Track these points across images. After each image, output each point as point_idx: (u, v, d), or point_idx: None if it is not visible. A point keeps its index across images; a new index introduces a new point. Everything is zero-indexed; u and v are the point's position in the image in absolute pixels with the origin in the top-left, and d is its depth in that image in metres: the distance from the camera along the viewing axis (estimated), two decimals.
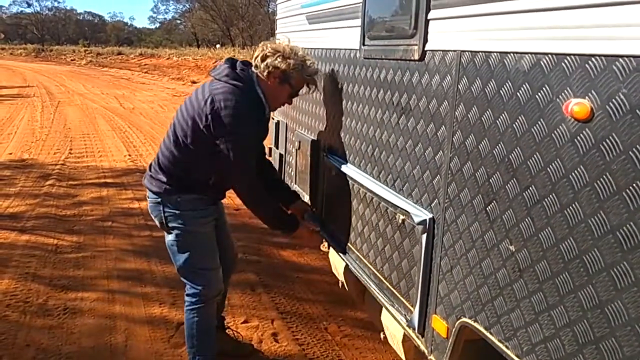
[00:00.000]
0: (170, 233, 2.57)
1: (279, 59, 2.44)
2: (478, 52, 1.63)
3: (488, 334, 1.64)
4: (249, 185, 2.49)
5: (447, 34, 1.80)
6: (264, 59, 2.46)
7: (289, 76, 2.47)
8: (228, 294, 3.18)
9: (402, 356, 2.26)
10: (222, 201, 2.81)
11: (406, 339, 2.18)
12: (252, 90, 2.47)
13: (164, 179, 2.51)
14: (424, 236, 1.95)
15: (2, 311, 3.44)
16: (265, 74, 2.46)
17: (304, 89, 2.61)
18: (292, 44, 2.54)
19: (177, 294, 3.72)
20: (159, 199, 2.53)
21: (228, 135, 2.34)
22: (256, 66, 2.48)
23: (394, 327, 2.28)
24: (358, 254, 2.62)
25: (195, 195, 2.53)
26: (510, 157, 1.49)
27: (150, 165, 2.63)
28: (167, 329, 3.29)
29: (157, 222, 2.61)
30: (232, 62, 2.52)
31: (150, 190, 2.56)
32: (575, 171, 1.26)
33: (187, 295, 2.65)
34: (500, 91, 1.52)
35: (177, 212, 2.51)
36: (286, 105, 2.71)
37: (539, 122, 1.37)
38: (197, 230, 2.56)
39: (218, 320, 2.93)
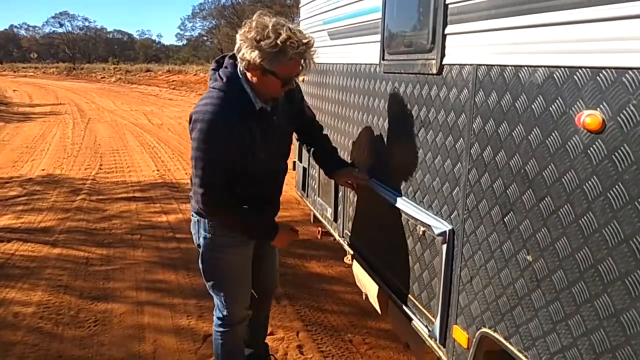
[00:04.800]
0: (201, 255, 2.48)
1: (248, 49, 2.03)
2: (493, 65, 1.66)
3: (508, 344, 1.65)
4: (208, 202, 2.21)
5: (464, 48, 1.83)
6: (239, 49, 2.10)
7: (264, 68, 2.06)
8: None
9: None
10: None
11: (428, 350, 2.20)
12: (236, 89, 2.17)
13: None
14: (444, 247, 1.97)
15: (36, 323, 3.55)
16: (244, 67, 2.12)
17: (300, 70, 2.15)
18: (276, 19, 2.05)
19: (204, 305, 3.79)
20: (197, 219, 2.41)
21: (194, 150, 2.15)
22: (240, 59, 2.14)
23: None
24: (381, 265, 2.64)
25: None
26: (526, 168, 1.52)
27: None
28: (195, 340, 3.35)
29: (194, 241, 2.51)
30: (218, 62, 2.30)
31: (192, 209, 2.46)
32: (589, 182, 1.28)
33: (215, 316, 2.62)
34: (516, 104, 1.55)
35: (208, 235, 2.38)
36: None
37: (553, 134, 1.40)
38: (224, 258, 2.43)
39: (259, 347, 2.91)
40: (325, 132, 2.76)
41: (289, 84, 2.17)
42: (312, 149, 2.70)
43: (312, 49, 2.09)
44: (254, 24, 2.03)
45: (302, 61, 2.10)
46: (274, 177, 2.43)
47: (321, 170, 3.57)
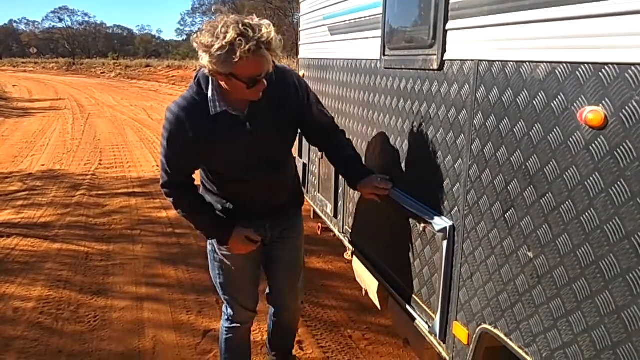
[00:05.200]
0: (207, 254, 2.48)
1: (201, 55, 1.89)
2: (495, 61, 1.65)
3: (508, 340, 1.65)
4: (162, 189, 2.25)
5: (465, 43, 1.83)
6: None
7: (220, 72, 1.90)
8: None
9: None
10: (293, 238, 2.50)
11: (428, 346, 2.20)
12: (199, 92, 2.07)
13: None
14: (445, 243, 1.97)
15: (36, 318, 3.55)
16: (208, 73, 1.99)
17: (262, 68, 1.92)
18: (228, 17, 1.85)
19: (204, 301, 3.79)
20: None
21: None
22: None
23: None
24: (381, 261, 2.64)
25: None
26: (528, 164, 1.51)
27: None
28: (194, 336, 3.35)
29: None
30: None
31: None
32: (591, 178, 1.28)
33: (223, 309, 2.61)
34: (517, 100, 1.55)
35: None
36: None
37: (555, 130, 1.39)
38: (223, 259, 2.39)
39: (280, 356, 2.86)
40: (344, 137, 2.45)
41: (256, 84, 1.95)
42: (328, 157, 2.47)
43: (270, 41, 1.85)
44: (204, 26, 1.89)
45: (261, 58, 1.86)
46: (264, 185, 2.24)
47: (321, 166, 3.57)
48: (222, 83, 1.98)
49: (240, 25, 1.81)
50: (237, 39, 1.79)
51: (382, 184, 2.30)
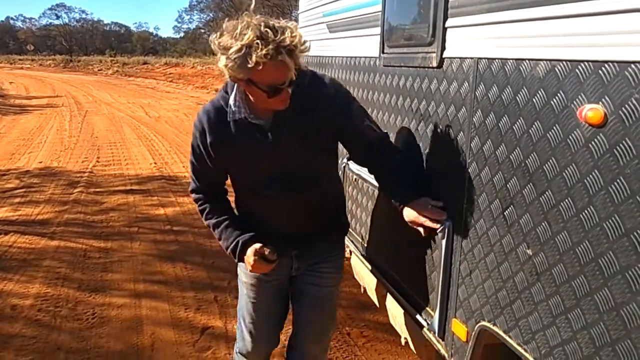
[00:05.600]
0: None
1: (219, 57, 1.72)
2: (495, 59, 1.65)
3: (507, 338, 1.65)
4: (195, 202, 2.15)
5: (465, 41, 1.83)
6: None
7: (238, 78, 1.75)
8: None
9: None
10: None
11: (427, 343, 2.20)
12: (224, 97, 1.93)
13: None
14: (444, 241, 1.97)
15: (34, 315, 3.55)
16: (228, 78, 1.84)
17: (284, 75, 1.72)
18: (250, 18, 1.68)
19: (202, 298, 3.80)
20: None
21: None
22: None
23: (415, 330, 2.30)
24: (379, 258, 2.65)
25: None
26: (527, 162, 1.51)
27: None
28: (193, 333, 3.35)
29: None
30: None
31: None
32: (590, 175, 1.28)
33: None
34: (517, 97, 1.55)
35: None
36: None
37: (554, 128, 1.40)
38: (243, 279, 2.19)
39: None
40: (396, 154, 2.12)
41: (279, 93, 1.75)
42: (376, 180, 2.23)
43: (293, 47, 1.68)
44: (225, 26, 1.70)
45: (281, 64, 1.68)
46: (288, 205, 2.01)
47: None
48: (244, 89, 1.83)
49: (262, 27, 1.63)
50: (255, 41, 1.62)
51: (435, 213, 1.93)
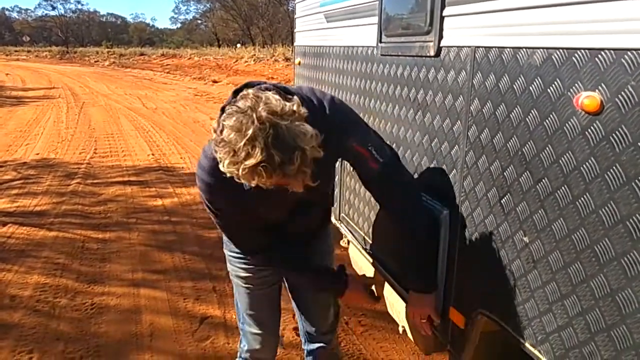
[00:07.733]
0: None
1: (216, 151, 1.43)
2: (492, 47, 1.65)
3: (504, 325, 1.67)
4: (260, 258, 2.02)
5: (462, 30, 1.83)
6: None
7: None
8: None
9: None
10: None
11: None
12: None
13: None
14: (441, 230, 1.98)
15: (33, 306, 3.56)
16: None
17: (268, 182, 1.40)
18: (253, 114, 1.35)
19: (200, 288, 3.81)
20: None
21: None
22: None
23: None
24: (377, 248, 2.66)
25: None
26: (524, 150, 1.52)
27: None
28: (191, 322, 3.37)
29: None
30: (235, 93, 1.55)
31: None
32: (586, 163, 1.29)
33: None
34: (514, 86, 1.55)
35: (225, 251, 2.16)
36: None
37: (551, 116, 1.40)
38: (240, 274, 2.12)
39: None
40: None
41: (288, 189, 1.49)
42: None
43: (304, 168, 1.38)
44: (227, 121, 1.38)
45: (289, 180, 1.42)
46: (301, 223, 2.00)
47: None
48: None
49: (270, 139, 1.33)
50: (261, 164, 1.34)
51: (435, 313, 1.99)
